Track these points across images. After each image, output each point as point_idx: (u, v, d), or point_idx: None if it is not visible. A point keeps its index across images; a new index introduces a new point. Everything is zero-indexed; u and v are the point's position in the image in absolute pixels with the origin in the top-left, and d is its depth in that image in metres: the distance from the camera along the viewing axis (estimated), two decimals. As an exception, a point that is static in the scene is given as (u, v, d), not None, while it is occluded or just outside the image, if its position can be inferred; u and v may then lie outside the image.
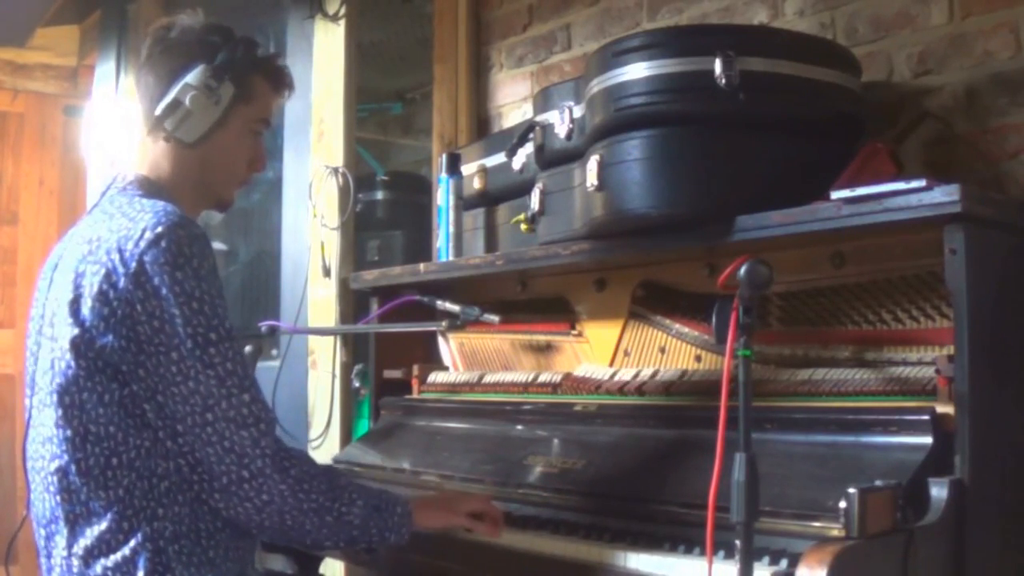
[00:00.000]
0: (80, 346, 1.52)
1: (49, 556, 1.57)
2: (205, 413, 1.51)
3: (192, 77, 1.66)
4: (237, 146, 1.75)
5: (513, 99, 2.97)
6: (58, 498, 1.54)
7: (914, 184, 1.48)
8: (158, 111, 1.68)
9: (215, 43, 1.71)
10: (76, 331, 1.52)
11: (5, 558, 1.80)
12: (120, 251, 1.53)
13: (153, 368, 1.51)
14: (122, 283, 1.51)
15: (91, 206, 1.69)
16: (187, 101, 1.66)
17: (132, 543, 1.50)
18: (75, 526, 1.53)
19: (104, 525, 1.51)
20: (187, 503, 1.55)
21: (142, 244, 1.52)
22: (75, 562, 1.52)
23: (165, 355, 1.51)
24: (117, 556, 1.50)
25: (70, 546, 1.53)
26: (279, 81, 1.80)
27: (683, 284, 2.02)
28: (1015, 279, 1.58)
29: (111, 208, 1.63)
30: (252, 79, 1.74)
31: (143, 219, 1.56)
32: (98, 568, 1.50)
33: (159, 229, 1.53)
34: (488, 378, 2.34)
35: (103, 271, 1.53)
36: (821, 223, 1.61)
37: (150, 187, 1.68)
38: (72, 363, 1.53)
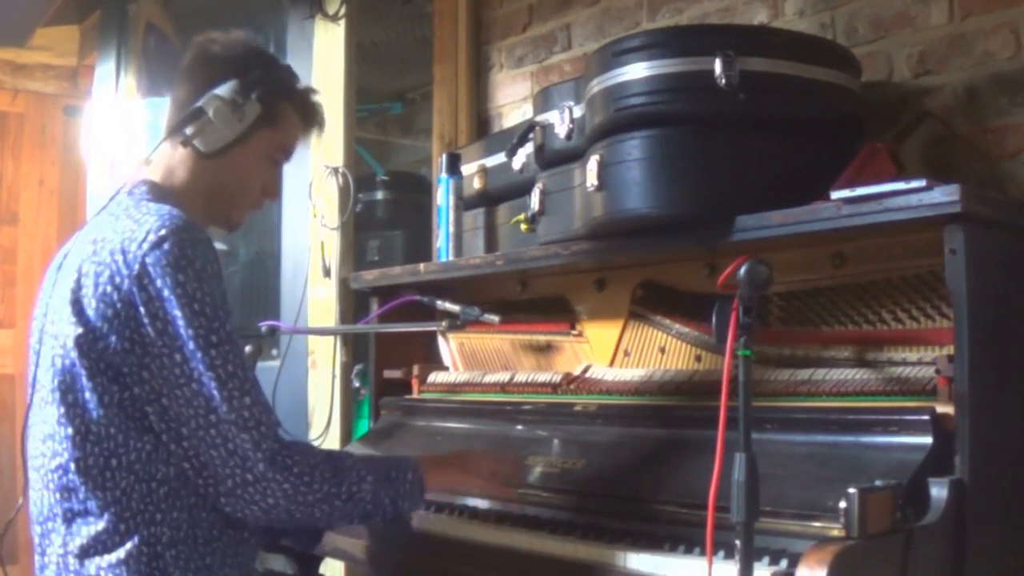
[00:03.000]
0: (84, 345, 1.52)
1: (43, 554, 1.57)
2: (208, 415, 1.52)
3: (222, 90, 1.67)
4: (253, 168, 1.76)
5: (513, 99, 2.97)
6: (57, 495, 1.54)
7: (914, 184, 1.48)
8: (181, 116, 1.68)
9: (253, 62, 1.72)
10: (80, 330, 1.53)
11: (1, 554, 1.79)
12: (123, 252, 1.53)
13: (157, 370, 1.51)
14: (125, 285, 1.52)
15: (99, 208, 1.69)
16: (210, 111, 1.66)
17: (128, 546, 1.50)
18: (71, 524, 1.53)
19: (101, 525, 1.51)
20: (185, 509, 1.55)
21: (145, 246, 1.52)
22: (71, 560, 1.52)
23: (169, 357, 1.51)
24: (112, 557, 1.50)
25: (66, 544, 1.53)
26: (309, 115, 1.81)
27: (683, 284, 2.02)
28: (1015, 279, 1.58)
29: (117, 210, 1.64)
30: (282, 105, 1.75)
31: (148, 222, 1.56)
32: (92, 568, 1.50)
33: (162, 232, 1.53)
34: (488, 378, 2.34)
35: (107, 272, 1.53)
36: (821, 223, 1.61)
37: (158, 192, 1.68)
38: (76, 361, 1.53)
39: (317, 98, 1.83)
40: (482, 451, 1.96)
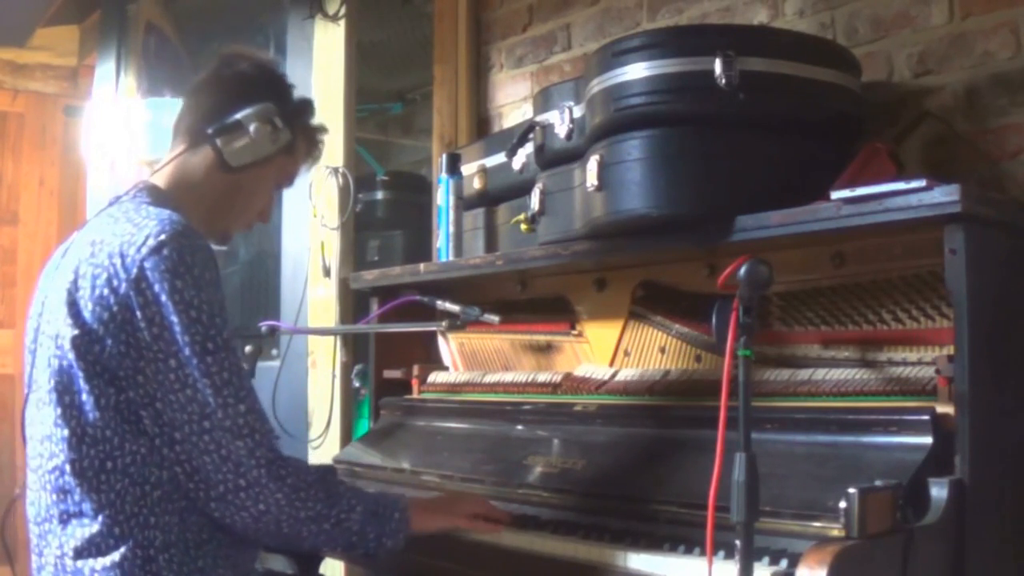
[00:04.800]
0: (81, 347, 1.52)
1: (40, 555, 1.57)
2: (202, 421, 1.51)
3: (263, 110, 1.70)
4: (263, 189, 1.80)
5: (513, 99, 2.97)
6: (53, 496, 1.54)
7: (914, 184, 1.48)
8: (215, 126, 1.70)
9: (285, 90, 1.78)
10: (76, 332, 1.52)
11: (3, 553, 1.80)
12: (122, 256, 1.53)
13: (152, 375, 1.51)
14: (123, 288, 1.51)
15: (98, 211, 1.69)
16: (251, 128, 1.69)
17: (122, 549, 1.50)
18: (67, 525, 1.53)
19: (95, 528, 1.51)
20: (177, 512, 1.54)
21: (144, 250, 1.52)
22: (67, 562, 1.52)
23: (164, 362, 1.51)
24: (106, 560, 1.50)
25: (62, 545, 1.53)
26: (312, 150, 1.87)
27: (683, 284, 2.02)
28: (1015, 279, 1.58)
29: (117, 213, 1.63)
30: (299, 137, 1.80)
31: (147, 226, 1.56)
32: (86, 570, 1.50)
33: (162, 237, 1.53)
34: (488, 378, 2.34)
35: (104, 275, 1.53)
36: (821, 223, 1.61)
37: (159, 196, 1.68)
38: (73, 363, 1.52)
39: (323, 137, 1.89)
40: (472, 494, 1.96)
